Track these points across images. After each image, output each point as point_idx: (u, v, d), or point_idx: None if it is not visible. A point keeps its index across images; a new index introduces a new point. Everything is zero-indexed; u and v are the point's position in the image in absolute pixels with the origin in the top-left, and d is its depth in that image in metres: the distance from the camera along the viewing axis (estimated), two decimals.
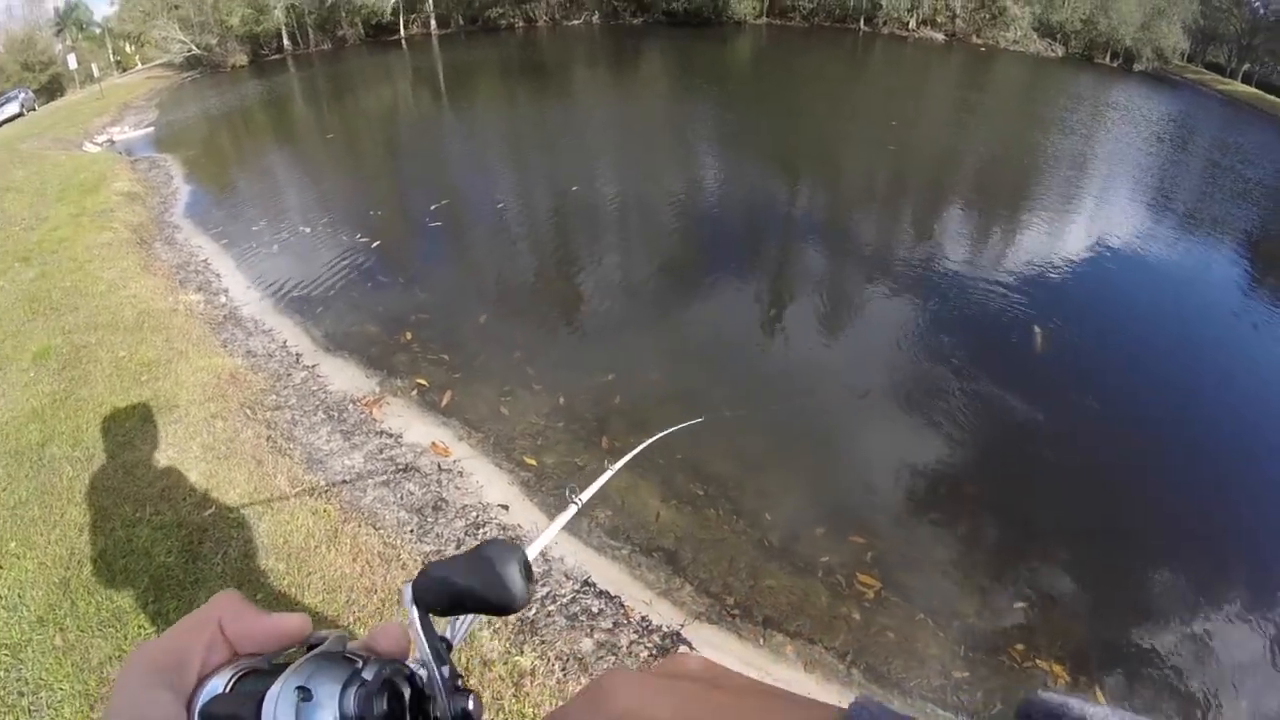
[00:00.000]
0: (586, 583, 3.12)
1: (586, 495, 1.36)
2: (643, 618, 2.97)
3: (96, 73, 26.42)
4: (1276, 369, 6.26)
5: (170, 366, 4.47)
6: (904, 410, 4.84)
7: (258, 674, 0.39)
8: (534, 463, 4.01)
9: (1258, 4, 35.53)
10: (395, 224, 8.40)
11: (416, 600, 0.44)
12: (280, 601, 2.69)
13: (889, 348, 5.64)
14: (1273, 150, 17.42)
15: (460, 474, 3.80)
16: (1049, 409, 4.99)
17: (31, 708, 2.27)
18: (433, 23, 32.53)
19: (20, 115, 20.67)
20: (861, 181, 10.95)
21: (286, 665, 0.38)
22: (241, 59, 26.70)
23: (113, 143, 13.40)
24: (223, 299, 5.98)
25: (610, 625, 2.89)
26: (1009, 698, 2.94)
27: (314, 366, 4.88)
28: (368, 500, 3.45)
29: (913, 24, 32.78)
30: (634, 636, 2.86)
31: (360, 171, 11.33)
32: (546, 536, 1.14)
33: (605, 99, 17.74)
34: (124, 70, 31.23)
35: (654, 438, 2.00)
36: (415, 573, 0.48)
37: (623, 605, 3.02)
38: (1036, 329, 5.86)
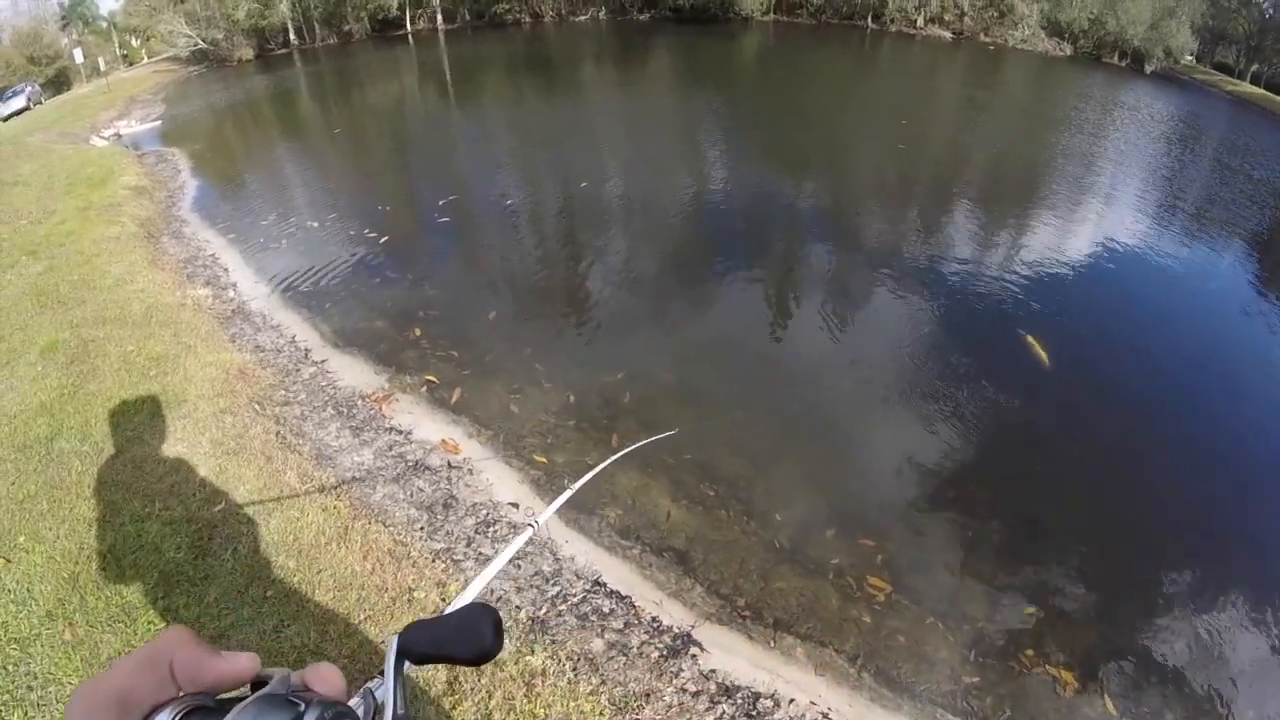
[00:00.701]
0: (597, 582, 3.10)
1: (544, 517, 1.39)
2: (653, 618, 2.96)
3: (103, 67, 26.46)
4: None
5: (178, 361, 4.46)
6: (915, 412, 4.81)
7: (204, 712, 0.40)
8: (544, 461, 4.00)
9: (1266, 4, 35.29)
10: (403, 219, 8.38)
11: (404, 651, 0.51)
12: (292, 599, 2.68)
13: (901, 349, 5.61)
14: None
15: (470, 471, 3.78)
16: (1059, 411, 4.97)
17: (40, 702, 2.26)
18: (439, 18, 32.45)
19: (27, 109, 20.73)
20: (874, 180, 10.87)
21: (232, 703, 0.40)
22: (247, 53, 26.64)
23: (119, 137, 13.42)
24: (231, 294, 5.97)
25: (621, 625, 2.88)
26: (1019, 704, 2.93)
27: (323, 362, 4.87)
28: (377, 497, 3.44)
29: (920, 22, 32.60)
30: (645, 637, 2.84)
31: (368, 167, 11.31)
32: (503, 558, 1.12)
33: (613, 95, 17.67)
34: (130, 64, 31.21)
35: (616, 455, 2.02)
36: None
37: (633, 605, 3.00)
38: (1038, 339, 5.78)
